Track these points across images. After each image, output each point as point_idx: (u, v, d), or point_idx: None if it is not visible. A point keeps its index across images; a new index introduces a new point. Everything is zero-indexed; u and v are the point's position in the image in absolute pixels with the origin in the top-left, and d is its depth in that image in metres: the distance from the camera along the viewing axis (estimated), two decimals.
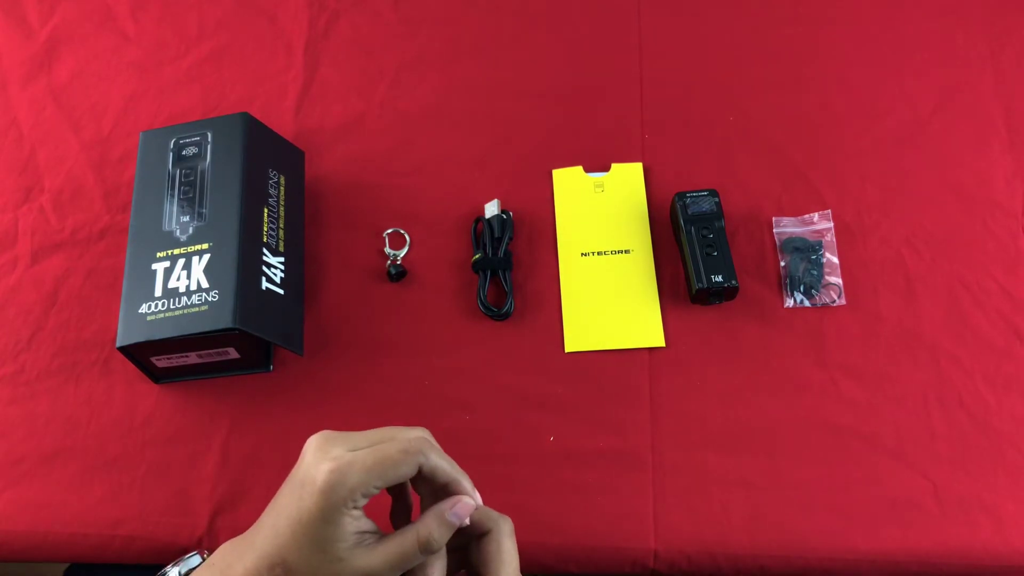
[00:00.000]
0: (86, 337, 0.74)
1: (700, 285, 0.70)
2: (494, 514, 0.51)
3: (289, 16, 0.87)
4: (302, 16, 0.87)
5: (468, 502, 0.50)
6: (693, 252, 0.71)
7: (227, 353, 0.68)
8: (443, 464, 0.50)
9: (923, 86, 0.82)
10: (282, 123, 0.82)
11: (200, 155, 0.71)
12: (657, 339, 0.72)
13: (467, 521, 0.50)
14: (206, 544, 0.68)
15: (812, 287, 0.73)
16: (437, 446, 0.50)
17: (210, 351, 0.68)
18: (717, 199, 0.74)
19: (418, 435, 0.50)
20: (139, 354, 0.67)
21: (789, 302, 0.73)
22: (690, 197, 0.74)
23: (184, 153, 0.72)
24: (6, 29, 0.88)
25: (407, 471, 0.48)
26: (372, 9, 0.87)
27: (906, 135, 0.80)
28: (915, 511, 0.67)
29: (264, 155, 0.74)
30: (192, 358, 0.68)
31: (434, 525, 0.49)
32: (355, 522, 0.48)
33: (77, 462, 0.70)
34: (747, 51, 0.84)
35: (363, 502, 0.48)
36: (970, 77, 0.82)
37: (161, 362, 0.69)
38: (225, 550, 0.51)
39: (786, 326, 0.73)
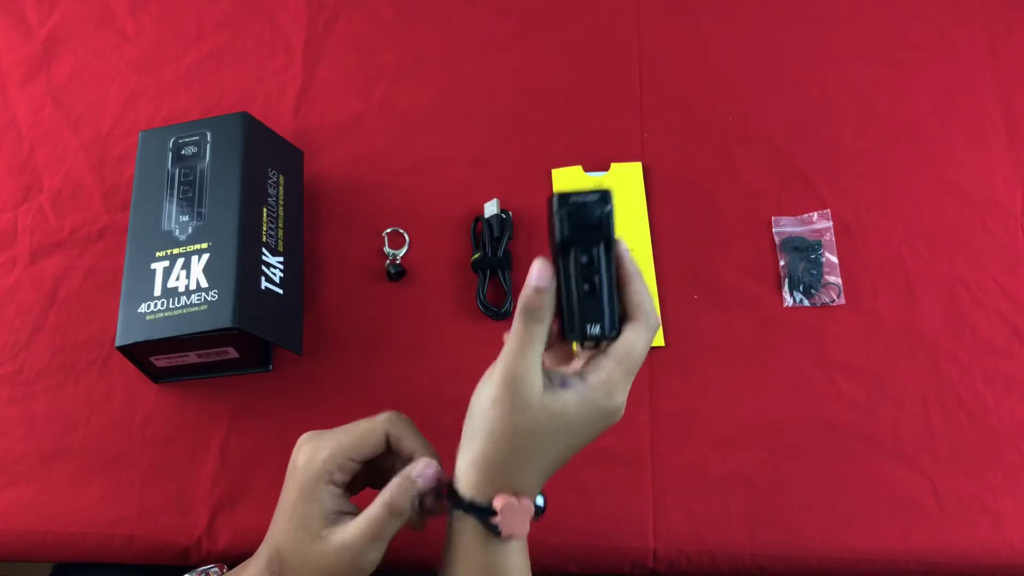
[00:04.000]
0: (85, 337, 0.74)
1: (571, 336, 0.51)
2: (651, 309, 0.51)
3: (288, 16, 0.87)
4: (301, 16, 0.87)
5: (431, 463, 0.51)
6: (567, 285, 0.50)
7: (226, 353, 0.68)
8: (409, 434, 0.53)
9: (922, 86, 0.82)
10: (281, 123, 0.82)
11: (199, 155, 0.71)
12: (657, 338, 0.72)
13: (432, 483, 0.51)
14: (205, 544, 0.68)
15: (811, 286, 0.74)
16: (409, 425, 0.54)
17: (209, 351, 0.68)
18: (609, 206, 0.49)
19: (388, 413, 0.53)
20: (138, 354, 0.67)
21: (788, 301, 0.73)
22: (573, 201, 0.50)
23: (183, 152, 0.72)
24: (5, 28, 0.88)
25: (374, 439, 0.52)
26: (371, 8, 0.87)
27: (905, 135, 0.80)
28: (914, 510, 0.67)
29: (263, 155, 0.74)
30: (191, 358, 0.68)
31: (397, 488, 0.51)
32: (334, 500, 0.51)
33: (76, 461, 0.70)
34: (747, 51, 0.84)
35: (340, 477, 0.52)
36: (969, 77, 0.82)
37: (160, 362, 0.69)
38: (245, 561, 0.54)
39: (785, 325, 0.73)
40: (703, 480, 0.68)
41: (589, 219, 0.49)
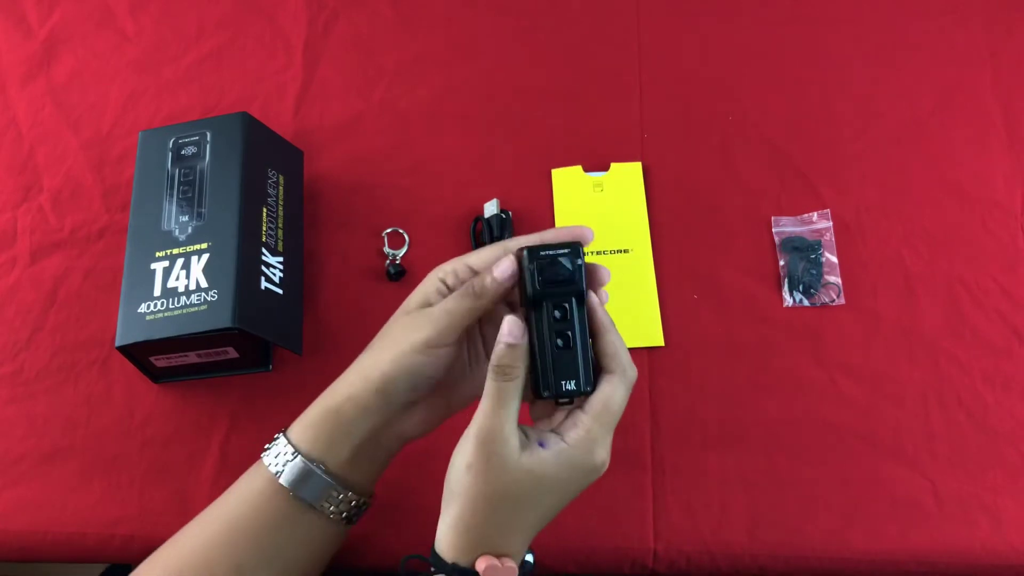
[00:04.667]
0: (85, 337, 0.74)
1: (546, 393, 0.50)
2: (627, 360, 0.51)
3: (288, 16, 0.87)
4: (301, 15, 0.87)
5: (509, 260, 0.51)
6: (540, 340, 0.50)
7: (226, 353, 0.68)
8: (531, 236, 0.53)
9: (922, 86, 0.82)
10: (281, 123, 0.82)
11: (199, 155, 0.71)
12: (656, 338, 0.72)
13: (508, 280, 0.51)
14: None
15: (811, 286, 0.74)
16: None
17: (209, 351, 0.68)
18: (580, 260, 0.50)
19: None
20: (138, 354, 0.67)
21: (788, 301, 0.73)
22: (543, 255, 0.50)
23: (183, 152, 0.72)
24: (5, 28, 0.88)
25: (500, 252, 0.53)
26: (371, 8, 0.87)
27: (905, 135, 0.80)
28: (914, 510, 0.67)
29: (263, 155, 0.74)
30: (191, 358, 0.68)
31: (478, 278, 0.52)
32: (439, 294, 0.54)
33: (76, 462, 0.70)
34: (747, 51, 0.84)
35: (452, 280, 0.54)
36: (969, 77, 0.82)
37: (160, 362, 0.69)
38: None
39: (785, 325, 0.73)
40: (703, 480, 0.68)
41: (560, 273, 0.49)
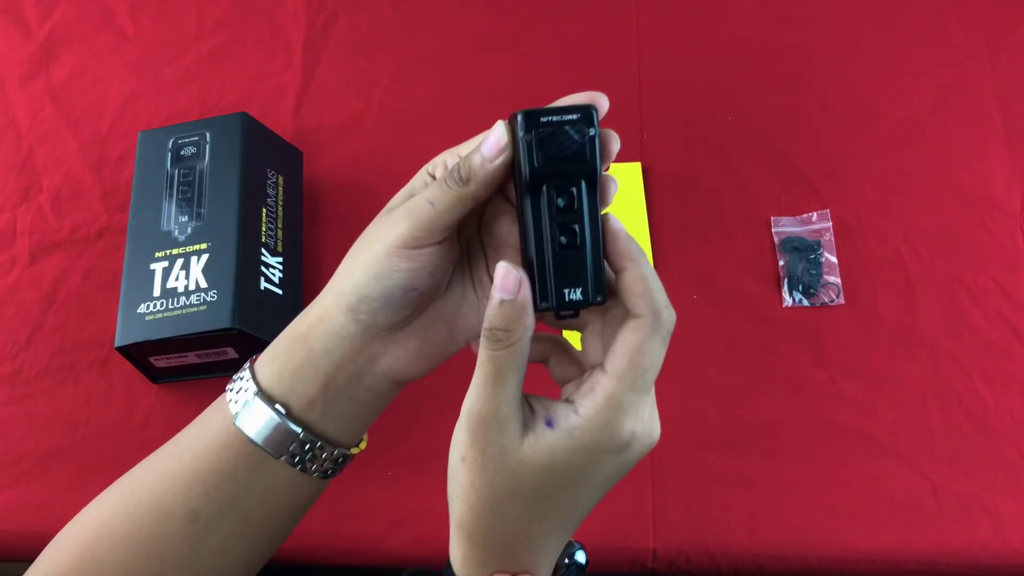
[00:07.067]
0: (84, 337, 0.74)
1: (544, 304, 0.38)
2: (661, 300, 0.38)
3: (288, 16, 0.87)
4: (301, 16, 0.87)
5: (500, 134, 0.41)
6: (539, 237, 0.38)
7: (226, 353, 0.68)
8: None
9: (922, 85, 0.82)
10: (280, 123, 0.82)
11: (199, 155, 0.71)
12: None
13: (495, 150, 0.40)
14: None
15: (811, 286, 0.74)
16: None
17: (209, 351, 0.68)
18: (592, 130, 0.38)
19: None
20: (138, 354, 0.67)
21: (788, 301, 0.73)
22: (544, 121, 0.38)
23: (183, 153, 0.72)
24: (5, 29, 0.88)
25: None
26: (371, 9, 0.87)
27: (905, 135, 0.80)
28: (914, 510, 0.67)
29: (262, 155, 0.74)
30: (191, 358, 0.68)
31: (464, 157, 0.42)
32: (421, 188, 0.44)
33: (76, 462, 0.70)
34: (746, 51, 0.84)
35: (440, 170, 0.44)
36: (968, 76, 0.82)
37: (160, 362, 0.69)
38: None
39: (785, 325, 0.73)
40: (703, 480, 0.68)
41: (566, 146, 0.37)
